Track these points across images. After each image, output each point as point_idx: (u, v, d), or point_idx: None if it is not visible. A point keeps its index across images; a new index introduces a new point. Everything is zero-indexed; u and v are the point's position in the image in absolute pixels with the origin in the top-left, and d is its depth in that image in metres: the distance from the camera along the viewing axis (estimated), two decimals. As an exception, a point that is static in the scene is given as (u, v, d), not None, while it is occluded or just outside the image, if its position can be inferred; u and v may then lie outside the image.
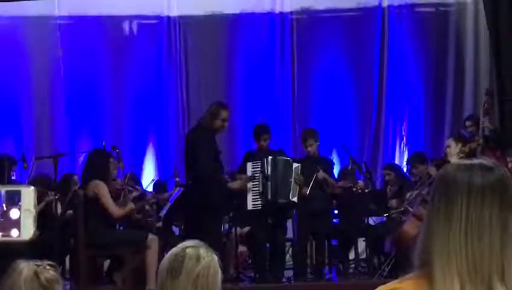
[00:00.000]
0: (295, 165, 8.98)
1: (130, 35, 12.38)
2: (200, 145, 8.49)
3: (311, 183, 9.14)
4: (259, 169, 8.79)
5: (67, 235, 8.85)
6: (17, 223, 2.62)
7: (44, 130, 12.00)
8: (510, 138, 10.22)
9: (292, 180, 8.87)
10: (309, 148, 9.57)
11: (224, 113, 8.65)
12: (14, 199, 2.64)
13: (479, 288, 1.77)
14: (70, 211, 8.96)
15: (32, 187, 2.69)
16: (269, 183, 8.77)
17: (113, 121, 12.15)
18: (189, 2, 12.38)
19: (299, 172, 8.98)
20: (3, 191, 2.65)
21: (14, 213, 2.63)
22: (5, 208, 2.63)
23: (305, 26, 12.33)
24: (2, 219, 2.63)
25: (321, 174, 9.39)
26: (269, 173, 8.79)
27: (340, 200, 9.85)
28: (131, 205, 8.46)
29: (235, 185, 8.75)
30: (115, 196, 8.36)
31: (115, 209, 8.17)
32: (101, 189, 8.09)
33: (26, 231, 2.62)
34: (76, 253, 8.39)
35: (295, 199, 8.91)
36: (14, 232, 2.62)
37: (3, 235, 2.63)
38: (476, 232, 1.79)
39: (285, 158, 9.11)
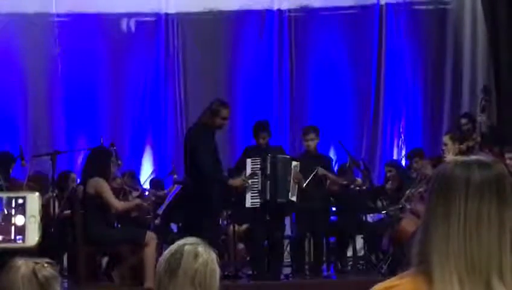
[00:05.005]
0: (294, 163, 8.94)
1: (128, 33, 12.37)
2: (200, 143, 8.47)
3: (310, 177, 9.12)
4: (258, 166, 8.77)
5: (65, 232, 8.85)
6: (22, 230, 2.62)
7: (42, 128, 11.99)
8: (507, 134, 10.24)
9: (291, 179, 8.84)
10: (309, 142, 9.47)
11: (224, 112, 8.62)
12: (17, 205, 2.64)
13: (477, 285, 1.77)
14: (68, 209, 8.97)
15: (37, 193, 2.69)
16: (269, 182, 8.74)
17: (110, 118, 12.14)
18: (187, -1, 12.39)
19: (298, 170, 8.95)
20: (4, 197, 2.65)
21: (19, 219, 2.63)
22: (6, 212, 2.62)
23: (303, 23, 12.32)
24: (2, 223, 2.62)
25: (321, 170, 9.37)
26: (269, 172, 8.77)
27: (338, 197, 9.85)
28: (136, 201, 8.51)
29: (236, 182, 8.72)
30: (115, 194, 8.36)
31: (117, 203, 8.18)
32: (102, 185, 8.09)
33: (31, 237, 2.62)
34: (74, 250, 8.39)
35: (294, 198, 8.89)
36: (19, 239, 2.62)
37: (6, 241, 2.63)
38: (475, 230, 1.78)
39: (285, 156, 9.06)
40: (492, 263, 1.77)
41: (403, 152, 11.54)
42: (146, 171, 11.62)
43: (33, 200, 2.63)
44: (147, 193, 9.79)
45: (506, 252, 1.78)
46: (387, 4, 12.25)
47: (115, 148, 8.91)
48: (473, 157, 1.87)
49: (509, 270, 1.78)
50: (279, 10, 12.32)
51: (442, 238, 1.79)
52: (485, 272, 1.77)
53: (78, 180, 9.01)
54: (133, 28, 12.38)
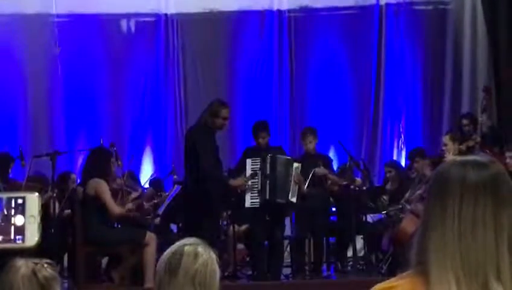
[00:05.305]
0: (296, 164, 8.95)
1: (128, 33, 12.38)
2: (200, 144, 8.46)
3: (309, 179, 9.13)
4: (258, 166, 8.78)
5: (65, 233, 8.85)
6: (21, 230, 2.62)
7: (42, 129, 11.99)
8: (508, 134, 10.24)
9: (292, 180, 8.85)
10: (308, 145, 9.56)
11: (224, 112, 8.62)
12: (17, 205, 2.64)
13: (475, 286, 1.76)
14: (68, 210, 8.97)
15: (37, 193, 2.69)
16: (268, 182, 8.75)
17: (110, 119, 12.14)
18: (186, -1, 12.40)
19: (299, 172, 8.96)
20: (4, 197, 2.65)
21: (18, 220, 2.63)
22: (5, 212, 2.63)
23: (303, 24, 12.33)
24: (2, 223, 2.62)
25: (321, 170, 9.38)
26: (268, 171, 8.78)
27: (338, 197, 9.86)
28: (129, 206, 8.49)
29: (236, 182, 8.72)
30: (114, 195, 8.37)
31: (115, 207, 8.17)
32: (102, 186, 8.09)
33: (30, 237, 2.62)
34: (74, 251, 8.40)
35: (294, 199, 8.90)
36: (19, 239, 2.62)
37: (5, 241, 2.63)
38: (470, 231, 1.77)
39: (286, 157, 9.08)
40: (489, 264, 1.76)
41: (403, 155, 11.53)
42: (146, 172, 11.62)
43: (32, 200, 2.64)
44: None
45: (503, 252, 1.77)
46: (387, 4, 12.26)
47: (115, 148, 8.92)
48: (471, 157, 1.85)
49: (508, 270, 1.77)
50: (278, 11, 12.32)
51: (439, 239, 1.78)
52: (482, 273, 1.76)
53: (78, 181, 9.01)
54: (133, 29, 12.39)
